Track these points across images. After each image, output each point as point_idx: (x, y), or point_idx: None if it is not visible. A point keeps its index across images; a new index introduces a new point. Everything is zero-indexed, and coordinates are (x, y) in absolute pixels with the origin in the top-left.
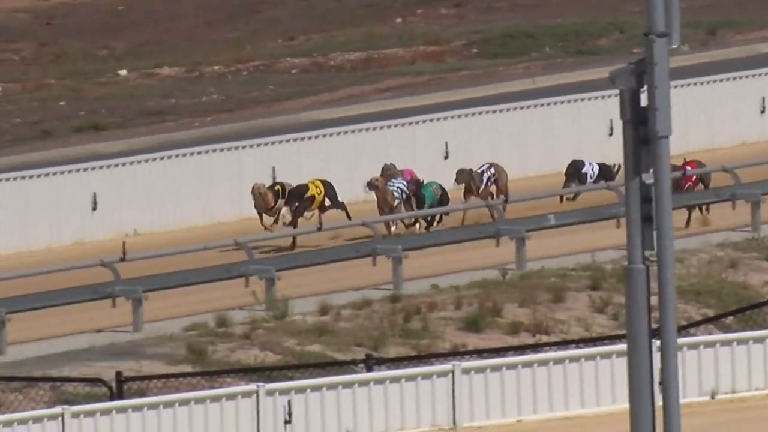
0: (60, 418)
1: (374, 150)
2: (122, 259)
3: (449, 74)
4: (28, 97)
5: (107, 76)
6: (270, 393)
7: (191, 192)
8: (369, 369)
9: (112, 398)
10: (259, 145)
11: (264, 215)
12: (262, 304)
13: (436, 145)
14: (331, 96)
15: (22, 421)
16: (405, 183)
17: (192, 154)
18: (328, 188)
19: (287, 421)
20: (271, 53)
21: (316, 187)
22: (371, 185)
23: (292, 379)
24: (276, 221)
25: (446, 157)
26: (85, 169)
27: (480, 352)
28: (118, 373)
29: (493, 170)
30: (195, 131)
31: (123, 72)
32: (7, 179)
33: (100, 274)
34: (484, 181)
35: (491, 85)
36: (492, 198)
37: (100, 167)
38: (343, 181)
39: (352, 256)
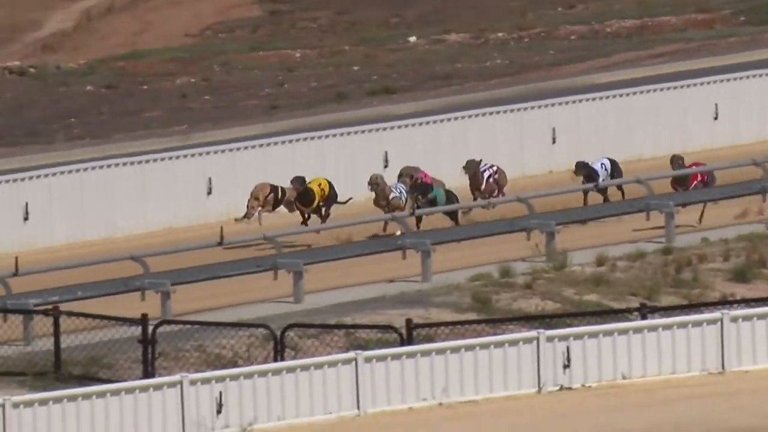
0: (353, 363)
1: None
2: (412, 214)
3: (719, 41)
4: (324, 63)
5: (398, 42)
6: (549, 339)
7: (475, 150)
8: (643, 317)
9: (402, 344)
10: (539, 107)
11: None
12: (543, 256)
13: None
14: (607, 61)
15: (318, 366)
16: (405, 187)
17: (477, 116)
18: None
19: (566, 366)
20: (551, 21)
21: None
22: (372, 183)
23: (570, 326)
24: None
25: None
26: (377, 130)
27: (747, 302)
28: (408, 321)
29: (495, 168)
30: (479, 94)
31: (413, 39)
32: (304, 138)
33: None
34: (485, 179)
35: (759, 50)
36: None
37: (391, 128)
38: (620, 137)
39: (627, 211)
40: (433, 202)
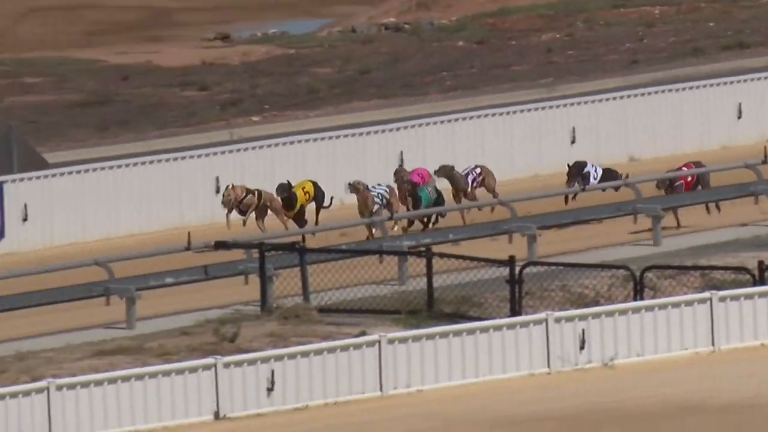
0: (708, 302)
1: None
2: (764, 162)
3: None
4: (682, 19)
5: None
6: None
7: None
8: None
9: (754, 284)
10: None
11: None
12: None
13: None
14: None
15: (675, 305)
16: (386, 189)
17: None
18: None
19: None
20: None
21: None
22: (353, 188)
23: None
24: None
25: None
26: (731, 83)
27: None
28: (760, 263)
29: (479, 171)
30: None
31: None
32: (662, 91)
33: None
34: (469, 182)
35: None
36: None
37: (744, 80)
38: None
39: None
40: (417, 203)
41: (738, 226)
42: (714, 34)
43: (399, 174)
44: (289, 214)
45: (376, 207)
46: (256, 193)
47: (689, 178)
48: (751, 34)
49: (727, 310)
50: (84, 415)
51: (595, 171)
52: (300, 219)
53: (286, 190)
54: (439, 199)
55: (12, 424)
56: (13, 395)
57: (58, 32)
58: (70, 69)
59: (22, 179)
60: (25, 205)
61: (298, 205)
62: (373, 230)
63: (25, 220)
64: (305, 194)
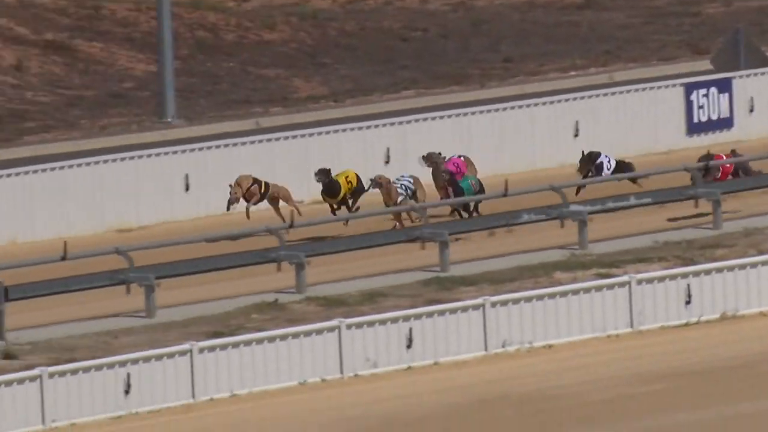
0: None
1: None
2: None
3: None
4: None
5: None
6: None
7: None
8: None
9: None
10: None
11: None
12: None
13: None
14: None
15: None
16: (410, 180)
17: None
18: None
19: None
20: None
21: None
22: (375, 183)
23: None
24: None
25: None
26: None
27: None
28: None
29: (462, 159)
30: None
31: None
32: None
33: None
34: (450, 172)
35: None
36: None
37: None
38: None
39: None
40: (459, 195)
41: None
42: None
43: (434, 161)
44: (331, 201)
45: (400, 198)
46: (263, 184)
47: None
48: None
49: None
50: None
51: (609, 162)
52: (344, 205)
53: (326, 175)
54: (482, 191)
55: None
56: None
57: None
58: None
59: (748, 75)
60: (751, 98)
61: (342, 193)
62: (413, 216)
63: (751, 111)
64: (348, 183)
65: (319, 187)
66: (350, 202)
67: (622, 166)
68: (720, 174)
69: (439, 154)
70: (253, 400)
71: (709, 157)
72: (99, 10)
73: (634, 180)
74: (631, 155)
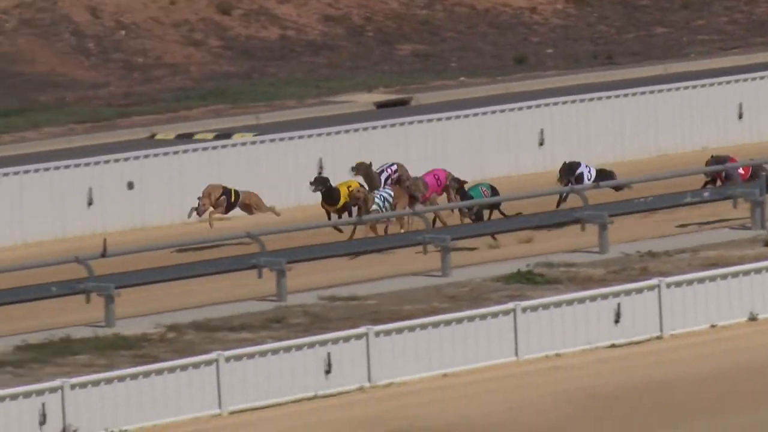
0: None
1: None
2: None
3: None
4: None
5: None
6: None
7: None
8: None
9: None
10: None
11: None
12: None
13: None
14: None
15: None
16: (389, 193)
17: None
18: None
19: None
20: None
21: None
22: (354, 198)
23: None
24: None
25: None
26: None
27: None
28: None
29: (394, 167)
30: None
31: None
32: None
33: None
34: (383, 180)
35: None
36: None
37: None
38: None
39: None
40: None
41: None
42: None
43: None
44: (330, 209)
45: (374, 207)
46: (232, 192)
47: (741, 171)
48: None
49: None
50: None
51: (589, 172)
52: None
53: (323, 183)
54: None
55: None
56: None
57: None
58: None
59: None
60: None
61: (342, 201)
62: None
63: None
64: (349, 191)
65: None
66: (354, 210)
67: (603, 175)
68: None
69: (370, 164)
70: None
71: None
72: None
73: (617, 188)
74: None
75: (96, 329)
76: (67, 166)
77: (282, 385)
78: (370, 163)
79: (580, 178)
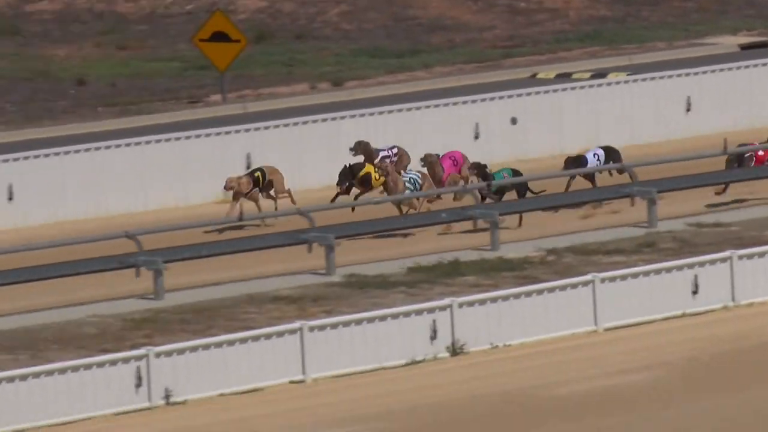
0: None
1: None
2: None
3: None
4: None
5: None
6: None
7: None
8: None
9: None
10: None
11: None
12: None
13: None
14: None
15: None
16: (418, 174)
17: None
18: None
19: None
20: None
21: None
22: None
23: None
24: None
25: None
26: None
27: None
28: None
29: (395, 150)
30: None
31: None
32: None
33: None
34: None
35: None
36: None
37: None
38: None
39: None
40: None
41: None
42: None
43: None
44: (365, 190)
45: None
46: (259, 174)
47: (761, 153)
48: None
49: None
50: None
51: (597, 160)
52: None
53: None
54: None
55: None
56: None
57: None
58: None
59: None
60: None
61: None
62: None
63: None
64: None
65: None
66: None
67: (610, 153)
68: (754, 161)
69: (368, 143)
70: None
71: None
72: None
73: (621, 171)
74: None
75: (482, 252)
76: (455, 103)
77: (652, 304)
78: (368, 142)
79: (584, 163)
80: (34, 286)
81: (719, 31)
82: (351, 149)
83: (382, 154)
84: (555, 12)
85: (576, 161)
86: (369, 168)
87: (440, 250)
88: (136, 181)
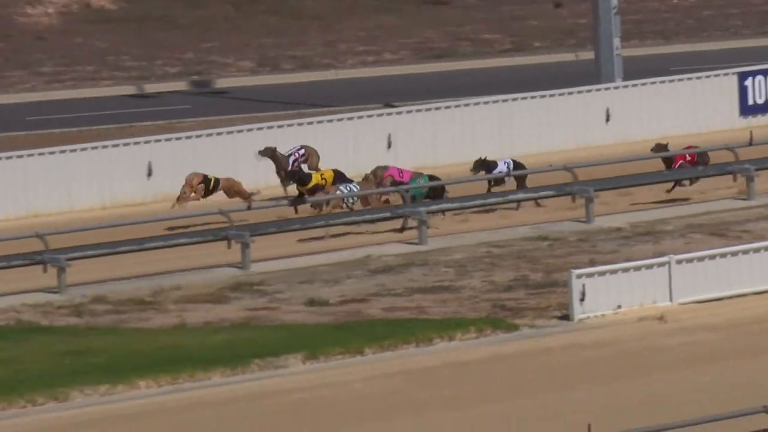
0: None
1: None
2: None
3: None
4: None
5: None
6: None
7: None
8: None
9: None
10: None
11: None
12: None
13: None
14: None
15: None
16: (356, 186)
17: None
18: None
19: None
20: None
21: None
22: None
23: None
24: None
25: None
26: None
27: None
28: None
29: (302, 151)
30: None
31: None
32: None
33: None
34: (291, 163)
35: None
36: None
37: None
38: None
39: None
40: (413, 197)
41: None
42: None
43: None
44: (302, 189)
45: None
46: (213, 180)
47: (688, 157)
48: None
49: None
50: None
51: (507, 167)
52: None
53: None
54: (432, 192)
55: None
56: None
57: None
58: None
59: None
60: None
61: (313, 183)
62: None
63: None
64: (322, 179)
65: None
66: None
67: (517, 165)
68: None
69: (275, 148)
70: None
71: (663, 147)
72: None
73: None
74: None
75: None
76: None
77: None
78: (275, 147)
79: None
80: None
81: None
82: (259, 152)
83: (291, 159)
84: None
85: (486, 165)
86: (316, 177)
87: None
88: None
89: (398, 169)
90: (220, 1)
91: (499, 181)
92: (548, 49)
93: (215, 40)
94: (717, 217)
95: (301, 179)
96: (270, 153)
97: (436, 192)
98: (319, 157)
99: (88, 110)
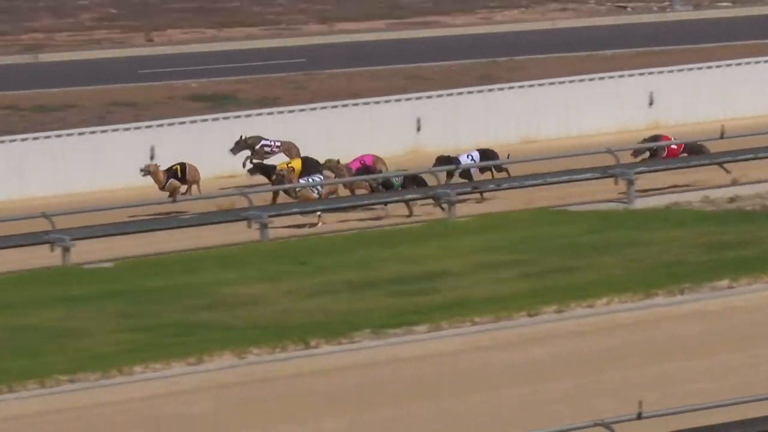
0: None
1: None
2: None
3: None
4: None
5: None
6: None
7: None
8: None
9: None
10: None
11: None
12: None
13: None
14: None
15: None
16: (320, 177)
17: None
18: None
19: None
20: None
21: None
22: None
23: None
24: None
25: None
26: None
27: None
28: None
29: (278, 144)
30: None
31: None
32: None
33: None
34: (264, 154)
35: None
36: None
37: None
38: None
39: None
40: (388, 186)
41: None
42: None
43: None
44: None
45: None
46: (178, 167)
47: (674, 147)
48: None
49: None
50: None
51: (470, 159)
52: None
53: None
54: (406, 183)
55: None
56: None
57: None
58: None
59: None
60: None
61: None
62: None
63: None
64: (288, 167)
65: None
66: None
67: (487, 154)
68: (667, 153)
69: (251, 142)
70: None
71: (655, 138)
72: None
73: (499, 168)
74: None
75: None
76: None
77: None
78: (246, 138)
79: (456, 162)
80: None
81: None
82: (236, 143)
83: (263, 142)
84: None
85: (447, 160)
86: (281, 166)
87: None
88: None
89: (360, 161)
90: None
91: (466, 173)
92: None
93: None
94: None
95: (265, 171)
96: (243, 145)
97: (416, 181)
98: (298, 149)
99: None
